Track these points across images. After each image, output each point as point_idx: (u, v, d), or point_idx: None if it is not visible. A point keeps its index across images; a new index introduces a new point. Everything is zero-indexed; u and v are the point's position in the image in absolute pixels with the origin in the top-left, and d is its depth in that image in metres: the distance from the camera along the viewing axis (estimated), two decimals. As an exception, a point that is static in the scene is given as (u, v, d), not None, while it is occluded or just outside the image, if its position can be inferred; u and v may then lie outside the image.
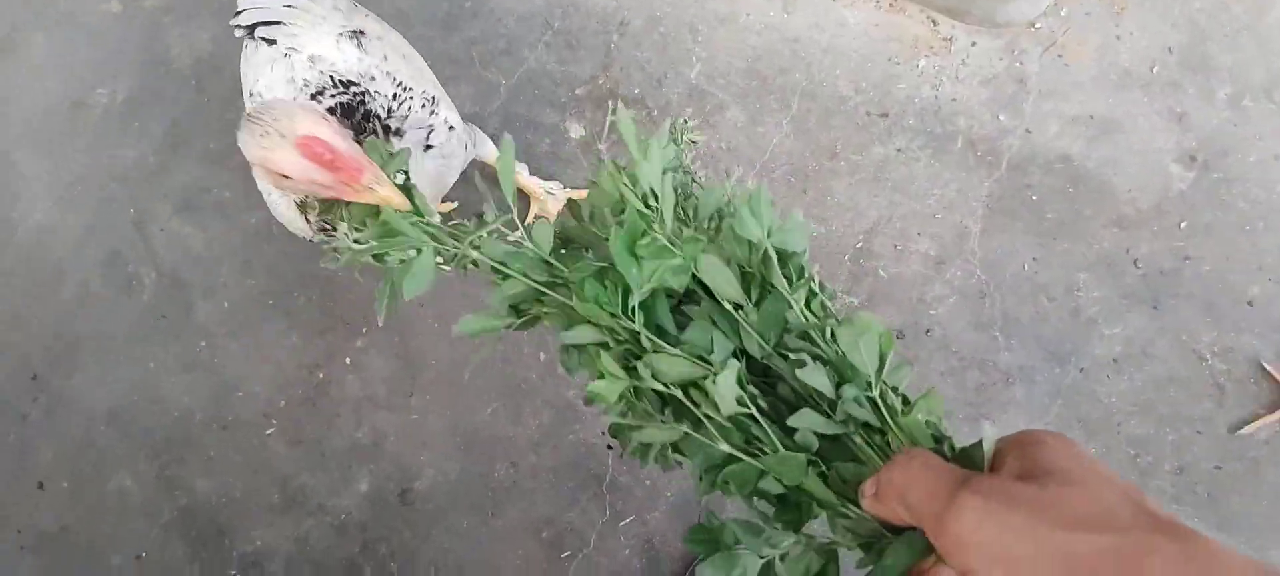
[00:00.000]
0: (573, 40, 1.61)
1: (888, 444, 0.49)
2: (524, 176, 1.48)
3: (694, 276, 0.58)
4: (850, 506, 0.49)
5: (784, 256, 0.56)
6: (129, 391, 1.52)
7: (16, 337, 1.54)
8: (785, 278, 0.54)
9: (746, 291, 0.56)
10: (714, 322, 0.57)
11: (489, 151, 1.29)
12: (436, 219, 0.74)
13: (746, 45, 1.59)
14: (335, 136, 0.76)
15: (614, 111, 0.70)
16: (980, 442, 0.44)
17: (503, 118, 1.57)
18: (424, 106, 1.06)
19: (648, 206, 0.60)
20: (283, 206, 0.98)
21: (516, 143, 1.52)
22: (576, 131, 1.56)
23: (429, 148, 1.07)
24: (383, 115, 0.99)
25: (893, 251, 1.49)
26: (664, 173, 0.59)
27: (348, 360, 1.51)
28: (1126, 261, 1.47)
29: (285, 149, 0.77)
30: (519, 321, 0.64)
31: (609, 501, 1.47)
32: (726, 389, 0.51)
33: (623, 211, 0.61)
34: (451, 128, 1.11)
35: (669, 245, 0.58)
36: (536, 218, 1.48)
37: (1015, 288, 1.48)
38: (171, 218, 1.57)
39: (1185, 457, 1.40)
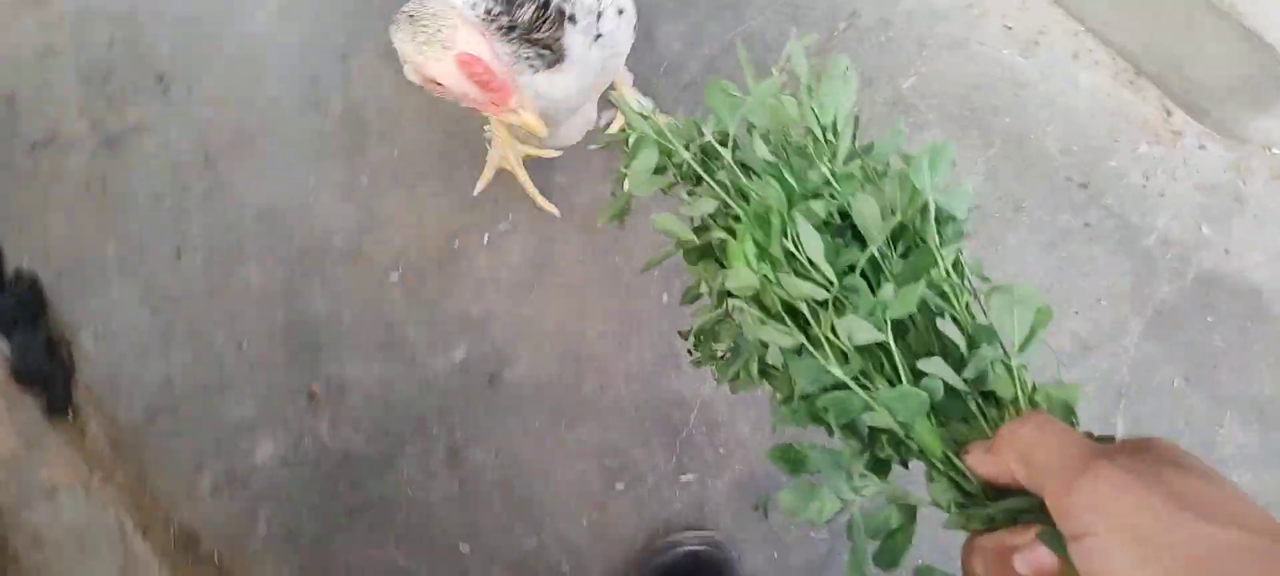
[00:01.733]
0: (799, 15, 2.34)
1: (1003, 417, 0.68)
2: (627, 87, 2.14)
3: (841, 217, 0.79)
4: (953, 458, 0.67)
5: (942, 216, 0.76)
6: (284, 198, 2.33)
7: (207, 116, 2.40)
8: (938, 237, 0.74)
9: (894, 242, 0.77)
10: (849, 269, 0.77)
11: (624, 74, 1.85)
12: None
13: (968, 72, 2.26)
14: (492, 56, 1.15)
15: (794, 41, 0.93)
16: (1111, 438, 0.61)
17: (704, 66, 2.33)
18: None
19: (825, 139, 0.84)
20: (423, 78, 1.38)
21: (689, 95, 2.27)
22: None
23: (599, 36, 1.47)
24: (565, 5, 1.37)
25: (1041, 322, 2.11)
26: (838, 103, 0.84)
27: (486, 238, 2.27)
28: (1282, 417, 2.00)
29: (444, 60, 1.14)
30: (697, 243, 0.90)
31: (679, 455, 2.12)
32: (860, 327, 0.70)
33: (771, 136, 0.86)
34: (621, 11, 1.50)
35: (830, 180, 0.81)
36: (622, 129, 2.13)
37: (1156, 400, 2.04)
38: (374, 58, 2.41)
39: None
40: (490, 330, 2.21)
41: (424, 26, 1.17)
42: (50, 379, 2.21)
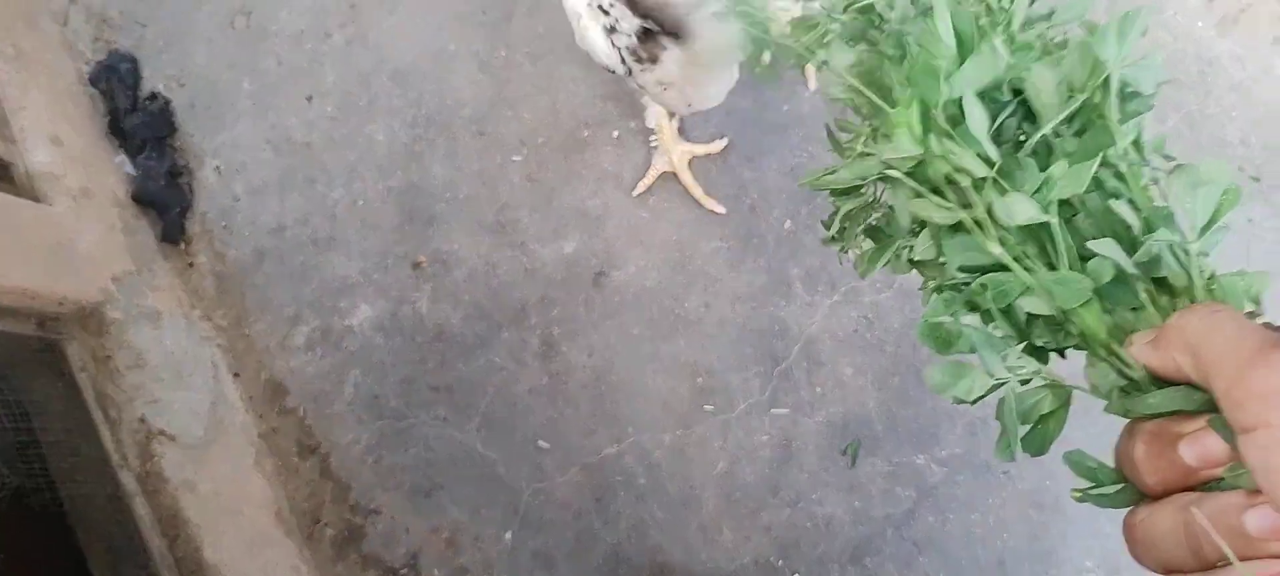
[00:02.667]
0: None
1: (1176, 306, 0.63)
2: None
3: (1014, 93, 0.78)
4: (1116, 349, 0.63)
5: (1125, 93, 0.71)
6: (421, 58, 2.27)
7: (357, -33, 2.38)
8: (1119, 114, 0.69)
9: (1069, 118, 0.71)
10: (1019, 145, 0.76)
11: None
12: None
13: (1156, 39, 2.07)
14: None
15: None
16: None
17: None
18: None
19: (1000, 6, 0.79)
20: (594, 34, 1.46)
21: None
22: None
23: None
24: None
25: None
26: None
27: (615, 133, 2.17)
28: None
29: None
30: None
31: (775, 386, 2.00)
32: (1022, 205, 0.66)
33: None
34: None
35: (1004, 51, 0.77)
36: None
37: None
38: None
39: None
40: (604, 227, 2.12)
41: None
42: (168, 206, 2.21)
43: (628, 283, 2.08)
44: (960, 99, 0.71)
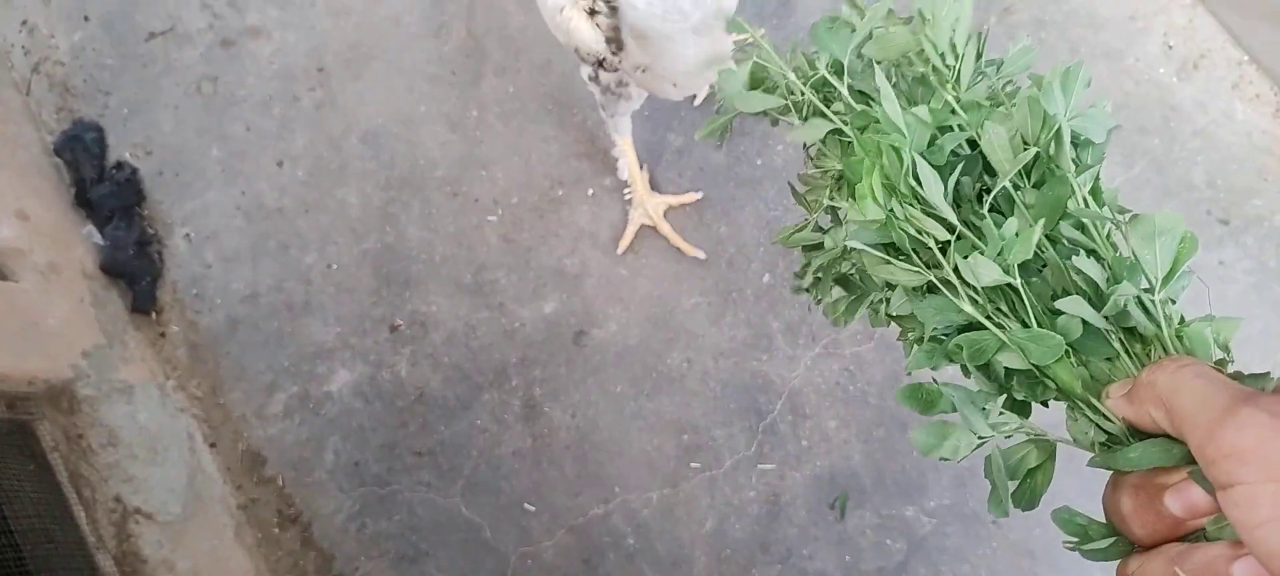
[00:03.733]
0: (936, 8, 2.18)
1: (1148, 354, 0.64)
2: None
3: (970, 146, 0.75)
4: (1094, 402, 0.63)
5: (1078, 141, 0.72)
6: (392, 121, 2.22)
7: (326, 26, 2.29)
8: (1073, 164, 0.70)
9: (1026, 171, 0.72)
10: (983, 193, 0.73)
11: None
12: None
13: (1119, 88, 2.08)
14: None
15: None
16: (1266, 374, 0.59)
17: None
18: None
19: (945, 65, 0.79)
20: (578, 22, 1.42)
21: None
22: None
23: None
24: None
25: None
26: (954, 25, 0.78)
27: (590, 192, 2.14)
28: None
29: None
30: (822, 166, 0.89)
31: (760, 441, 1.98)
32: (985, 267, 0.67)
33: (902, 66, 0.83)
34: None
35: (954, 107, 0.76)
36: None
37: None
38: None
39: None
40: (583, 286, 2.09)
41: None
42: (138, 276, 2.15)
43: (609, 341, 2.05)
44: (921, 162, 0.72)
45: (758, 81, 0.93)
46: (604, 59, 1.50)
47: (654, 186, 2.08)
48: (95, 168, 2.20)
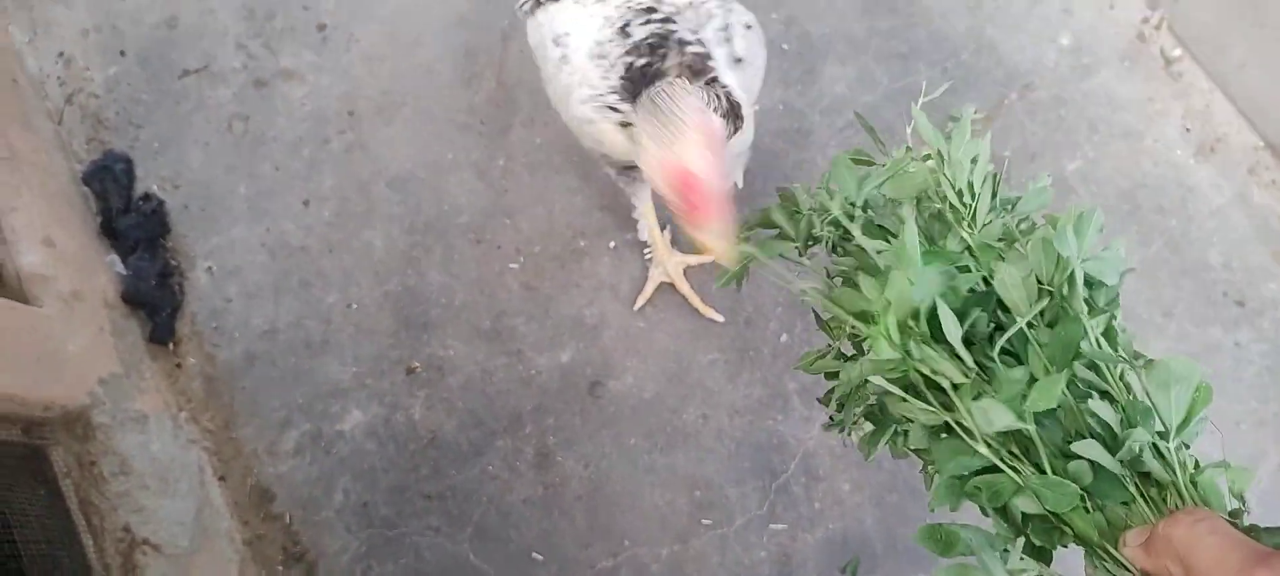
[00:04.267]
0: (971, 76, 2.20)
1: (1164, 498, 0.64)
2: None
3: (985, 283, 0.76)
4: (1111, 550, 0.63)
5: (1091, 283, 0.73)
6: (419, 167, 2.23)
7: (359, 72, 2.31)
8: (1087, 305, 0.71)
9: (1041, 311, 0.73)
10: (996, 330, 0.74)
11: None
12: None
13: (1137, 168, 2.10)
14: (713, 173, 1.13)
15: (919, 101, 0.92)
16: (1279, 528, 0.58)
17: (866, 112, 2.19)
18: (721, 6, 1.44)
19: (961, 203, 0.81)
20: (607, 129, 1.43)
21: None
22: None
23: (738, 61, 1.44)
24: (690, 39, 1.36)
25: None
26: (973, 162, 0.81)
27: (612, 244, 2.15)
28: None
29: (657, 155, 1.16)
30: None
31: (773, 501, 1.96)
32: (998, 413, 0.67)
33: (921, 201, 0.84)
34: (749, 27, 1.48)
35: (969, 246, 0.77)
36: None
37: None
38: None
39: None
40: (601, 337, 2.08)
41: (663, 116, 1.15)
42: (159, 306, 2.15)
43: (625, 393, 2.04)
44: (934, 305, 0.74)
45: (772, 224, 0.97)
46: (634, 164, 1.51)
47: (675, 243, 2.09)
48: (122, 198, 2.21)
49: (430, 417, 2.07)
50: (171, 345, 2.16)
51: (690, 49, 1.35)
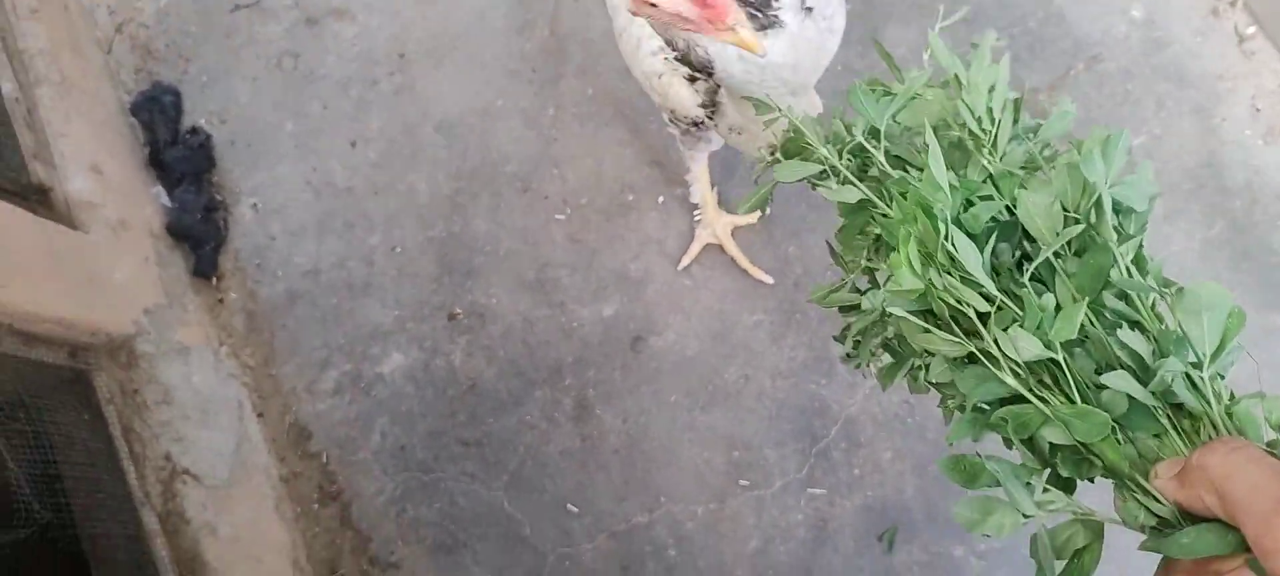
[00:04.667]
0: (1038, 45, 2.14)
1: (1198, 430, 0.62)
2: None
3: (1009, 211, 0.73)
4: (1142, 481, 0.62)
5: (1120, 209, 0.71)
6: (468, 112, 2.20)
7: (411, 14, 2.26)
8: (1115, 232, 0.69)
9: (1068, 242, 0.70)
10: (1022, 262, 0.72)
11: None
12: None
13: (1205, 147, 2.04)
14: None
15: (936, 27, 0.91)
16: None
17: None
18: None
19: (981, 129, 0.78)
20: (678, 87, 1.42)
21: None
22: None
23: (809, 9, 1.36)
24: None
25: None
26: (990, 90, 0.80)
27: (661, 199, 2.11)
28: None
29: None
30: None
31: (812, 465, 1.93)
32: (1026, 342, 0.65)
33: (938, 130, 0.80)
34: None
35: (990, 174, 0.76)
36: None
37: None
38: None
39: None
40: (645, 292, 2.05)
41: None
42: (203, 240, 2.14)
43: (667, 349, 2.01)
44: (958, 230, 0.71)
45: (797, 149, 0.93)
46: (700, 121, 1.47)
47: (724, 204, 2.05)
48: (170, 131, 2.20)
49: (470, 364, 2.05)
50: (214, 280, 2.15)
51: None
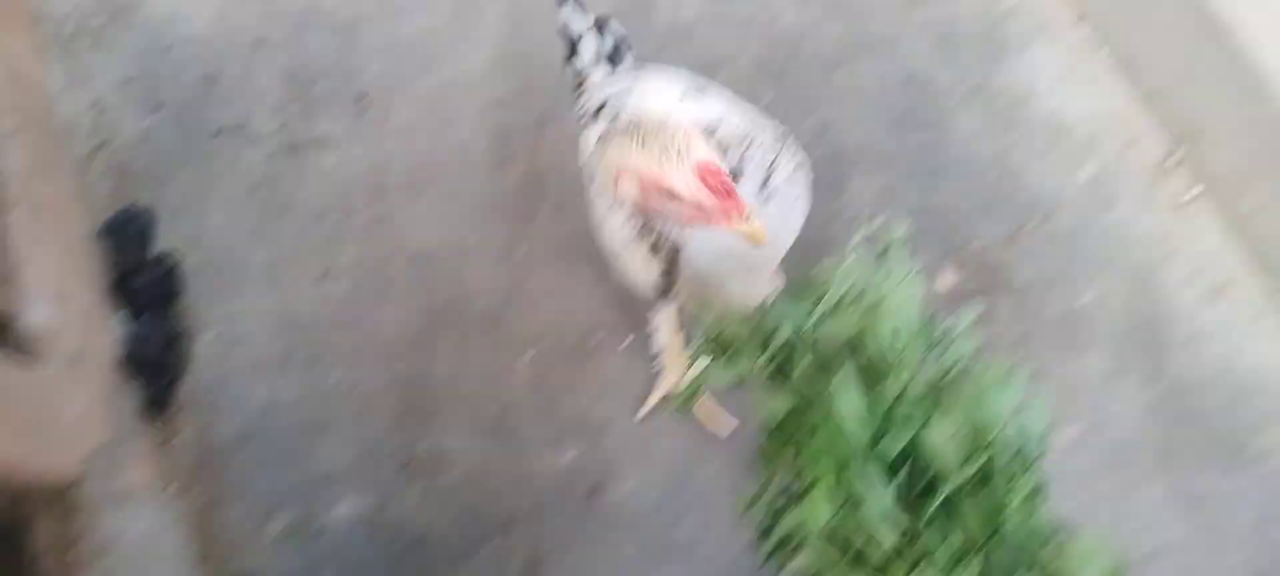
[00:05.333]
0: (994, 200, 2.17)
1: None
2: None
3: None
4: None
5: (1018, 442, 0.78)
6: (441, 246, 2.15)
7: (392, 146, 2.25)
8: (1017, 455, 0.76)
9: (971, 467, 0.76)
10: (933, 482, 0.77)
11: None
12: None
13: (1150, 305, 2.08)
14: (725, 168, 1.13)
15: (859, 234, 0.98)
16: None
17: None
18: (777, 142, 1.41)
19: (893, 350, 0.84)
20: (637, 263, 1.44)
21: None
22: (945, 280, 2.10)
23: (768, 196, 1.37)
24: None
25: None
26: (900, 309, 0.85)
27: (627, 341, 2.06)
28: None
29: (682, 169, 1.11)
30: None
31: (770, 626, 1.86)
32: None
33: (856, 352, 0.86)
34: (798, 166, 1.45)
35: (902, 394, 0.81)
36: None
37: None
38: (570, 131, 2.15)
39: None
40: (605, 439, 2.00)
41: (657, 138, 1.12)
42: (160, 373, 2.07)
43: (624, 500, 1.95)
44: (869, 461, 0.78)
45: (725, 345, 1.00)
46: (660, 290, 1.50)
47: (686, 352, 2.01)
48: (137, 257, 2.15)
49: (423, 512, 1.98)
50: (166, 416, 2.07)
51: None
